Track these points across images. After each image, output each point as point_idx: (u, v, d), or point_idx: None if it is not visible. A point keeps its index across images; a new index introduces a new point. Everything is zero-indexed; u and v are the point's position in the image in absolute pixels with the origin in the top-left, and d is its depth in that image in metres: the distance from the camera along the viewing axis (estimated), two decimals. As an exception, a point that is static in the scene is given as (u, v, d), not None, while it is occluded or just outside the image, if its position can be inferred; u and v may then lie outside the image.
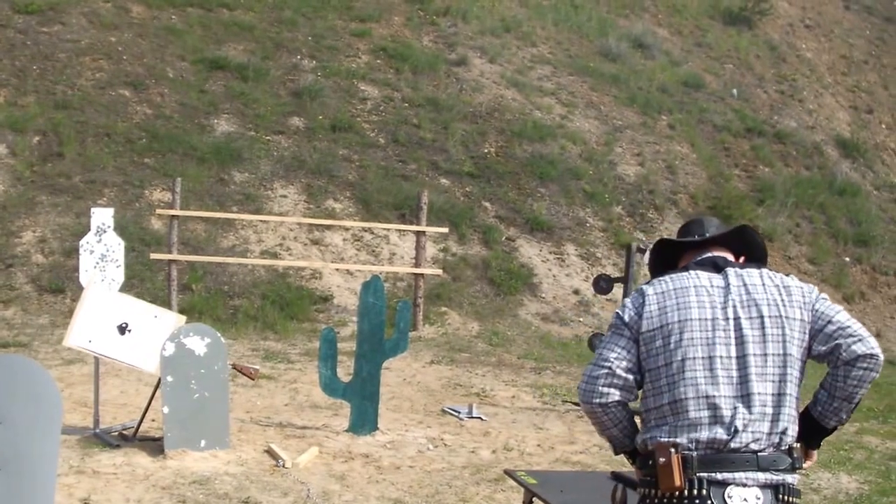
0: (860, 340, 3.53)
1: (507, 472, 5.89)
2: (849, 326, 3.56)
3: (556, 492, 5.19)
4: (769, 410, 3.48)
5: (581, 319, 15.62)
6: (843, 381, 3.55)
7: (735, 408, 3.47)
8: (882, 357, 3.55)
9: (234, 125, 16.84)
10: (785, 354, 3.53)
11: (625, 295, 10.64)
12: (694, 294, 3.62)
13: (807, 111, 23.07)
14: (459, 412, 10.04)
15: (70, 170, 15.09)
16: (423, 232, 14.37)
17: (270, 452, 8.04)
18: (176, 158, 15.76)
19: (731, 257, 3.83)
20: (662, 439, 3.51)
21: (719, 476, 3.43)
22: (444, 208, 16.23)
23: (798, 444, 3.59)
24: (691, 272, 3.71)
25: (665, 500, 3.49)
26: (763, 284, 3.63)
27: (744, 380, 3.50)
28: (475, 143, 18.19)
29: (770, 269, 3.72)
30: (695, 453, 3.46)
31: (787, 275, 3.72)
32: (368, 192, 16.28)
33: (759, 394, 3.48)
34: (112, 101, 16.46)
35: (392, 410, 9.91)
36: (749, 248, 3.92)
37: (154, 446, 7.91)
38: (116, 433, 8.29)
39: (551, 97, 20.14)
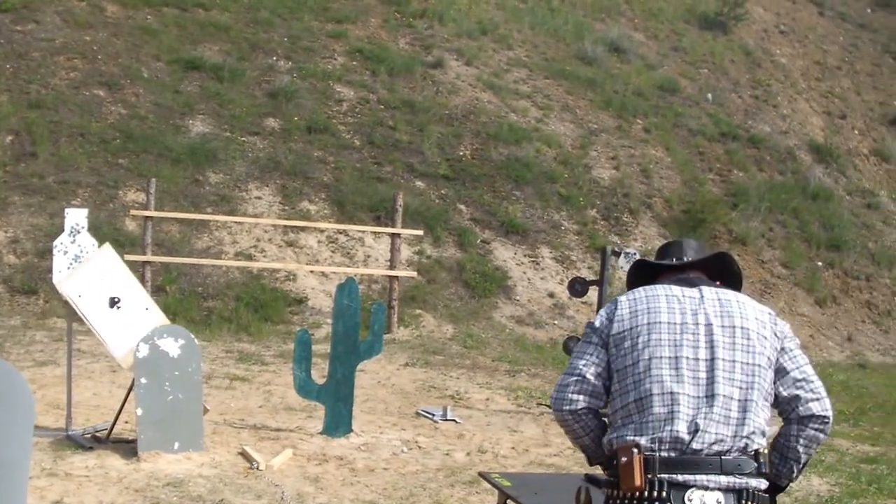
0: (818, 400, 3.59)
1: (482, 475, 5.90)
2: (813, 381, 3.62)
3: (530, 494, 5.19)
4: (734, 414, 3.46)
5: (556, 322, 15.65)
6: (795, 441, 3.61)
7: (698, 407, 3.46)
8: (832, 420, 3.62)
9: (209, 126, 16.79)
10: (754, 364, 3.55)
11: (600, 297, 10.69)
12: (665, 301, 3.67)
13: (781, 116, 23.20)
14: (434, 415, 10.04)
15: (43, 170, 15.00)
16: (398, 234, 14.36)
17: (244, 454, 8.02)
18: (150, 159, 15.70)
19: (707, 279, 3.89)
20: (628, 438, 3.51)
21: (680, 478, 3.40)
22: (420, 210, 16.23)
23: (766, 451, 3.58)
24: (665, 285, 3.77)
25: (626, 501, 3.49)
26: (737, 301, 3.69)
27: (710, 381, 3.50)
28: (451, 145, 18.20)
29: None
30: (657, 454, 3.44)
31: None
32: (343, 194, 16.26)
33: (724, 395, 3.47)
34: (86, 101, 16.38)
35: (366, 413, 9.90)
36: (726, 274, 3.97)
37: (127, 448, 7.87)
38: (89, 435, 8.24)
39: (527, 100, 20.17)
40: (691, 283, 3.76)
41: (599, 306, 10.68)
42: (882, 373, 16.17)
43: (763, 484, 3.47)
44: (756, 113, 22.91)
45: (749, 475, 3.43)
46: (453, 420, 9.97)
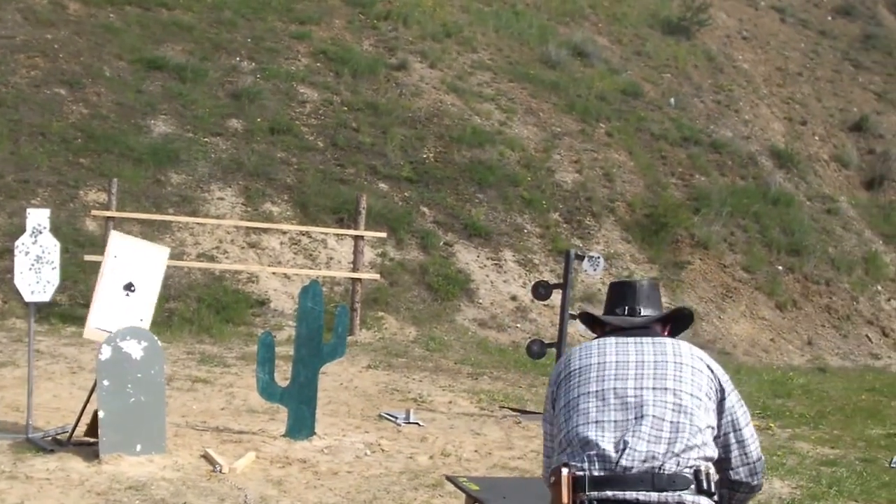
0: (748, 465, 3.66)
1: (449, 479, 5.89)
2: (748, 445, 3.66)
3: (498, 498, 5.19)
4: (666, 434, 3.41)
5: (518, 325, 15.68)
6: (728, 496, 3.69)
7: (626, 428, 3.44)
8: (761, 486, 3.71)
9: (171, 126, 16.68)
10: (689, 393, 3.53)
11: (563, 300, 10.71)
12: (596, 348, 3.73)
13: (742, 121, 23.36)
14: (397, 417, 10.02)
15: (3, 169, 14.85)
16: (361, 236, 14.34)
17: (207, 457, 7.97)
18: (112, 159, 15.58)
19: (658, 329, 3.88)
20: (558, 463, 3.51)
21: (610, 494, 3.34)
22: (383, 213, 16.21)
23: (710, 470, 3.48)
24: (602, 337, 3.82)
25: None
26: (672, 343, 3.70)
27: (640, 405, 3.49)
28: (414, 147, 18.18)
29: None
30: (587, 473, 3.40)
31: None
32: (306, 196, 16.22)
33: (654, 416, 3.45)
34: (47, 100, 16.23)
35: (329, 415, 9.88)
36: (676, 318, 4.00)
37: (89, 451, 7.80)
38: (50, 438, 8.16)
39: (491, 103, 20.19)
40: (631, 334, 3.79)
41: (562, 310, 10.72)
42: (841, 376, 16.31)
43: (704, 501, 3.37)
44: (718, 118, 23.06)
45: (686, 491, 3.34)
46: (416, 423, 9.96)
